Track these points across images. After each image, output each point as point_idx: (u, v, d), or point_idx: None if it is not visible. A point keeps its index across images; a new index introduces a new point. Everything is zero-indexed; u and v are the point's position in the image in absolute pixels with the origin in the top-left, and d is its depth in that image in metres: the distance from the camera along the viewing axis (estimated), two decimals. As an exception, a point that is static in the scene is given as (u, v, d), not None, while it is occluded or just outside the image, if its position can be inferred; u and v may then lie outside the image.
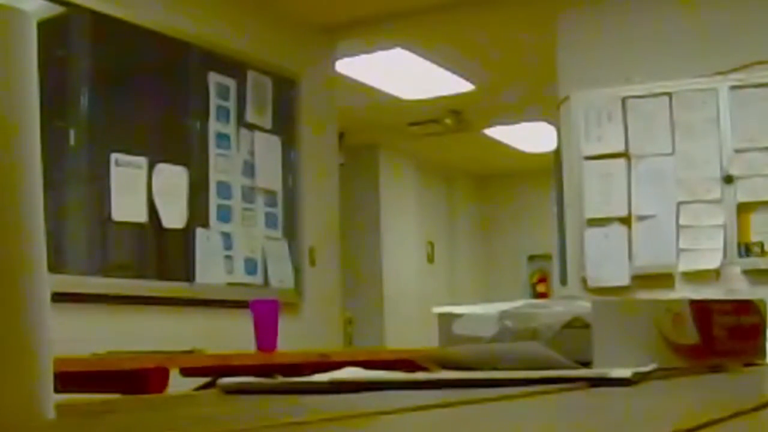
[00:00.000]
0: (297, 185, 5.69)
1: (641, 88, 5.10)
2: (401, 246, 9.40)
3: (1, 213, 0.56)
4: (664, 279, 4.97)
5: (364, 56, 6.64)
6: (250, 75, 5.38)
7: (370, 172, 9.25)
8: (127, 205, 4.50)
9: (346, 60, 6.51)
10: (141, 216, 4.58)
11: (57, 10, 4.26)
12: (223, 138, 5.15)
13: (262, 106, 5.45)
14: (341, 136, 6.65)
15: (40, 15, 4.09)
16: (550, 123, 7.15)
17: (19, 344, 0.55)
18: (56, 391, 0.58)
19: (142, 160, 4.61)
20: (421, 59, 6.75)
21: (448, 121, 8.30)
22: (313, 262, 5.78)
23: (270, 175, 5.47)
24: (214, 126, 5.10)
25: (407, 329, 8.84)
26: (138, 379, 2.82)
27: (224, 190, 5.12)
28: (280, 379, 0.92)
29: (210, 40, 5.10)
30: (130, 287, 4.50)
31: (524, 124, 8.68)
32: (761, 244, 4.86)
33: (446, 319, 1.13)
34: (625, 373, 0.81)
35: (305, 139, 5.77)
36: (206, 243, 4.96)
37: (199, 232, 4.93)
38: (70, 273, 4.18)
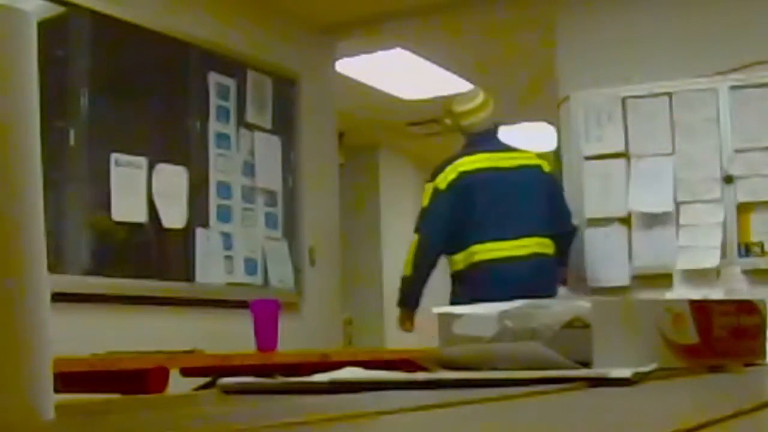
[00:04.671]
0: (297, 185, 5.69)
1: (641, 88, 5.10)
2: (401, 246, 9.38)
3: (1, 213, 0.56)
4: (663, 279, 4.97)
5: (364, 56, 6.64)
6: (250, 75, 5.38)
7: (370, 172, 9.24)
8: (127, 205, 4.50)
9: (346, 60, 6.51)
10: (141, 216, 4.58)
11: (57, 10, 4.26)
12: (223, 138, 5.15)
13: (262, 106, 5.45)
14: (341, 136, 6.65)
15: (40, 15, 4.09)
16: (550, 123, 7.15)
17: (19, 344, 0.55)
18: (56, 391, 0.58)
19: (142, 160, 4.60)
20: (421, 59, 6.75)
21: (447, 121, 8.29)
22: (313, 262, 5.78)
23: (270, 175, 5.47)
24: (214, 126, 5.10)
25: (407, 329, 8.82)
26: (138, 379, 2.82)
27: (224, 190, 5.12)
28: (280, 379, 0.92)
29: (210, 40, 5.10)
30: (130, 287, 4.50)
31: (524, 124, 8.68)
32: (761, 244, 4.86)
33: (446, 319, 1.13)
34: (625, 373, 0.81)
35: (305, 139, 5.77)
36: (206, 243, 4.96)
37: (199, 232, 4.92)
38: (70, 273, 4.18)
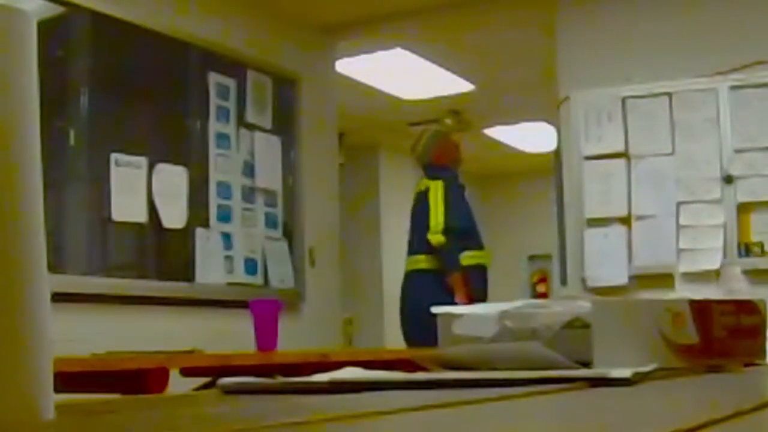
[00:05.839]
0: (297, 185, 5.68)
1: (641, 88, 5.10)
2: (401, 246, 9.37)
3: (1, 213, 0.56)
4: (663, 279, 4.97)
5: (364, 56, 6.63)
6: (250, 75, 5.38)
7: (370, 172, 9.24)
8: (127, 205, 4.50)
9: (346, 60, 6.51)
10: (141, 216, 4.58)
11: (57, 10, 4.26)
12: (223, 138, 5.15)
13: (262, 106, 5.45)
14: (341, 136, 6.65)
15: (40, 15, 4.09)
16: (550, 123, 7.15)
17: (19, 344, 0.55)
18: (56, 391, 0.58)
19: (142, 160, 4.60)
20: (421, 59, 6.75)
21: (448, 121, 8.29)
22: (313, 262, 5.77)
23: (270, 175, 5.46)
24: (214, 126, 5.10)
25: (407, 329, 8.82)
26: (138, 379, 2.82)
27: (224, 190, 5.12)
28: (280, 379, 0.92)
29: (210, 40, 5.10)
30: (130, 287, 4.50)
31: (524, 124, 8.67)
32: (761, 244, 4.86)
33: (446, 319, 1.13)
34: (625, 373, 0.81)
35: (305, 139, 5.77)
36: (206, 243, 4.96)
37: (199, 232, 4.92)
38: (70, 273, 4.18)
